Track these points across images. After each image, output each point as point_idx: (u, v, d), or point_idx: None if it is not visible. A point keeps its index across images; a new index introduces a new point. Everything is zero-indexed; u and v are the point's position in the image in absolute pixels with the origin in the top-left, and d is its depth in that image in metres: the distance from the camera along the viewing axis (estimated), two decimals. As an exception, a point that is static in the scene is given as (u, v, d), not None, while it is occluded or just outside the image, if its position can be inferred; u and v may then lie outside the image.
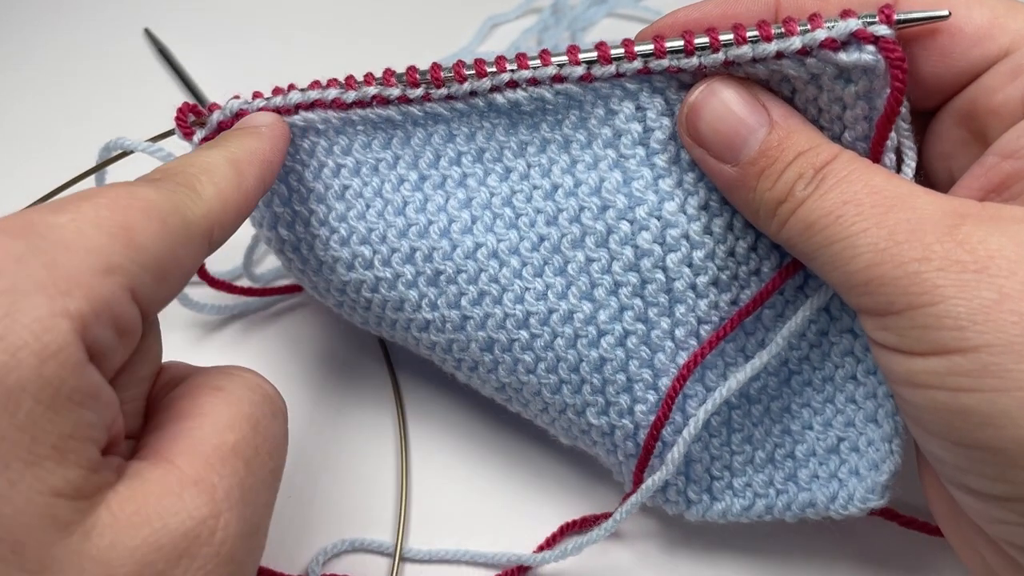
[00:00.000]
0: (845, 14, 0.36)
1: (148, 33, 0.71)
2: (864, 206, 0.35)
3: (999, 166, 0.37)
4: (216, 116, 0.43)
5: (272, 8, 0.73)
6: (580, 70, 0.40)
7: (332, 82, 0.43)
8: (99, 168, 0.48)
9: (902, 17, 0.36)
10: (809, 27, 0.37)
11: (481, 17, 0.71)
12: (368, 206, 0.45)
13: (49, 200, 0.33)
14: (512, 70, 0.41)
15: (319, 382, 0.54)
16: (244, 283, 0.55)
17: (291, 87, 0.43)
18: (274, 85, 0.44)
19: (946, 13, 0.37)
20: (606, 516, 0.48)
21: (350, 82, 0.43)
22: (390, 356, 0.54)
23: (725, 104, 0.38)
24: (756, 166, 0.38)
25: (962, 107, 0.39)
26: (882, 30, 0.36)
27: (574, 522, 0.49)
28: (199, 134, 0.44)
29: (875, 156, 0.39)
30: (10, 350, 0.26)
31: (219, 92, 0.66)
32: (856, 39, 0.36)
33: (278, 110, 0.43)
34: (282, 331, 0.55)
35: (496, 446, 0.50)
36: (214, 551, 0.30)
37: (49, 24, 0.72)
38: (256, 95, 0.44)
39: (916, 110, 0.40)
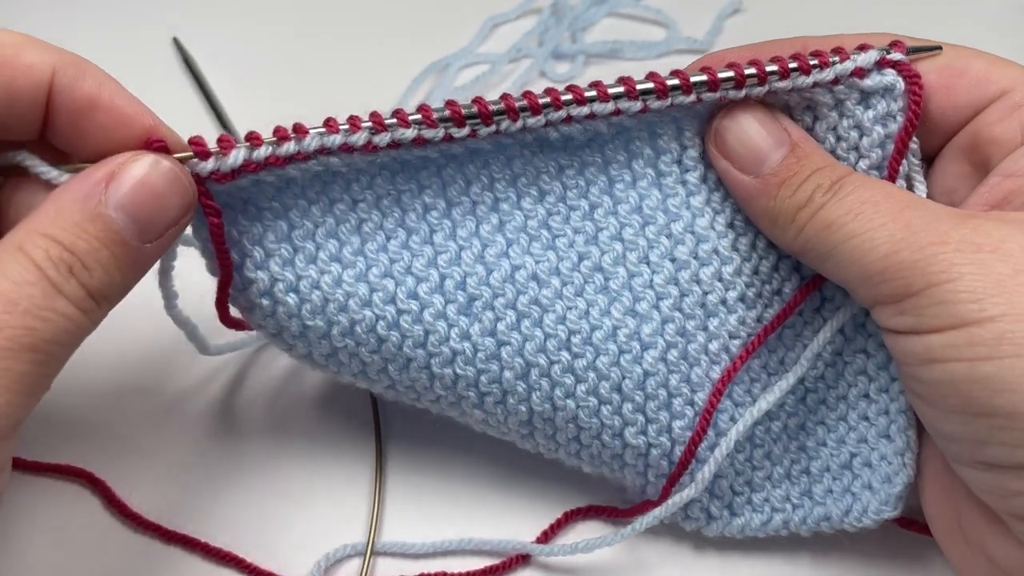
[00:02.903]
0: (862, 47, 0.42)
1: (176, 43, 0.70)
2: (880, 206, 0.39)
3: (1001, 184, 0.41)
4: (209, 165, 0.38)
5: (272, 5, 0.73)
6: (638, 105, 0.41)
7: (355, 120, 0.39)
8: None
9: (910, 47, 0.43)
10: (838, 59, 0.42)
11: (481, 17, 0.72)
12: (390, 237, 0.42)
13: None
14: (568, 103, 0.41)
15: (312, 382, 0.54)
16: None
17: (299, 129, 0.39)
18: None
19: (939, 46, 0.43)
20: (613, 509, 0.48)
21: (378, 121, 0.39)
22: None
23: (752, 122, 0.43)
24: (777, 177, 0.42)
25: (965, 142, 0.43)
26: (898, 56, 0.42)
27: (579, 510, 0.49)
28: None
29: (892, 171, 0.43)
30: None
31: (237, 103, 0.66)
32: (877, 65, 0.42)
33: (292, 158, 0.39)
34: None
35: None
36: None
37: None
38: (254, 140, 0.38)
39: (922, 152, 0.44)
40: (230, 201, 0.41)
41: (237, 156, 0.38)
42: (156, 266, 0.40)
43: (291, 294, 0.42)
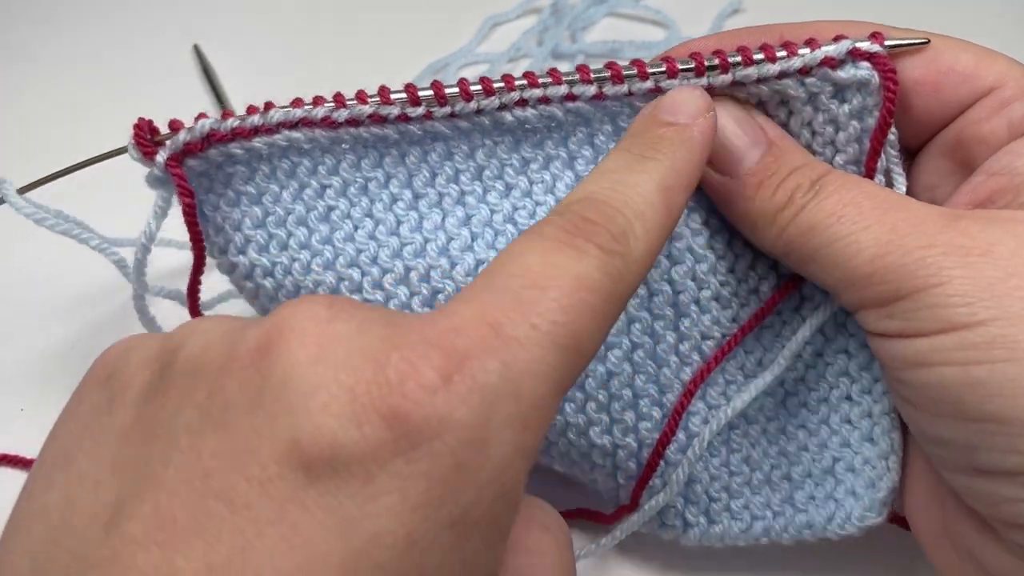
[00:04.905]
0: (838, 39, 0.41)
1: (197, 50, 0.70)
2: (864, 207, 0.38)
3: (986, 183, 0.40)
4: (183, 136, 0.40)
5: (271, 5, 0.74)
6: (592, 89, 0.41)
7: (319, 100, 0.41)
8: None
9: (890, 43, 0.41)
10: (809, 49, 0.41)
11: (481, 17, 0.72)
12: (357, 227, 0.43)
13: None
14: (522, 87, 0.41)
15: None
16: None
17: (269, 105, 0.41)
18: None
19: (926, 41, 0.41)
20: (599, 514, 0.48)
21: (339, 100, 0.41)
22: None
23: (728, 121, 0.41)
24: (755, 177, 0.41)
25: (950, 139, 0.42)
26: (875, 48, 0.40)
27: (568, 512, 0.48)
28: (162, 154, 0.40)
29: (869, 169, 0.42)
30: (479, 484, 0.26)
31: (243, 97, 0.67)
32: (852, 57, 0.40)
33: (257, 130, 0.40)
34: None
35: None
36: None
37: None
38: (226, 115, 0.40)
39: (904, 147, 0.43)
40: (212, 187, 0.42)
41: (204, 124, 0.40)
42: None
43: (268, 278, 0.43)
